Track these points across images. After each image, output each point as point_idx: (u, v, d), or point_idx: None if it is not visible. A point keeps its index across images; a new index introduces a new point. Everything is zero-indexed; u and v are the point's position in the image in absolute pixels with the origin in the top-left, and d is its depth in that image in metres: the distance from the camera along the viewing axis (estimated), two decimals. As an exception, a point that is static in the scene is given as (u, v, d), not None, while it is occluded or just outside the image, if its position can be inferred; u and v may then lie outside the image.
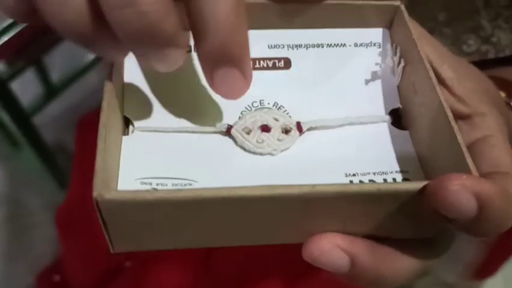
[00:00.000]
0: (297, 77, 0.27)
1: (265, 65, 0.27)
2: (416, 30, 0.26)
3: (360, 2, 0.26)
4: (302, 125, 0.26)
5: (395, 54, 0.27)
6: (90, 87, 1.27)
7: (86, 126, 0.65)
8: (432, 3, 0.41)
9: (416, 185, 0.20)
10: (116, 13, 0.19)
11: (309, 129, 0.26)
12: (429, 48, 0.26)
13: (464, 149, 0.21)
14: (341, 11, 0.26)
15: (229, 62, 0.21)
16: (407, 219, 0.21)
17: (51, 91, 1.01)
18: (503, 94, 0.34)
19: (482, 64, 0.35)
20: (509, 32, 0.40)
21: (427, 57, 0.25)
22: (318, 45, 0.27)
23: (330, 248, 0.20)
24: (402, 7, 0.27)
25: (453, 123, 0.22)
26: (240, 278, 0.52)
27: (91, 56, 1.01)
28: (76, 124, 0.69)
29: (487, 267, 0.71)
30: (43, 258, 1.03)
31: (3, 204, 1.14)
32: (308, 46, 0.27)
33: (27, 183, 1.16)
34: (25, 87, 0.90)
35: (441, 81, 0.26)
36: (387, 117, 0.27)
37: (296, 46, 0.26)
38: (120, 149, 0.24)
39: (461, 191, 0.18)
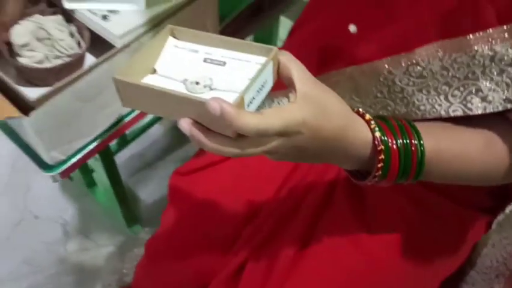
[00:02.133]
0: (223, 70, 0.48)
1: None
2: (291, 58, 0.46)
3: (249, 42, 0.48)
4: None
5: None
6: (152, 138, 1.45)
7: (180, 174, 0.79)
8: None
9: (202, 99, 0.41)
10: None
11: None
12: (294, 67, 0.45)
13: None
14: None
15: None
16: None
17: (124, 140, 1.19)
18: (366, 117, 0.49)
19: None
20: None
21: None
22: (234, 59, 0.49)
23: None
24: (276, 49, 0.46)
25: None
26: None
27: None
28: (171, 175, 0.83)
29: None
30: (110, 289, 1.17)
31: (75, 237, 1.29)
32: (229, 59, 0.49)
33: (98, 219, 1.31)
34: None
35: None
36: None
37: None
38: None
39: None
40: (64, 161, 0.65)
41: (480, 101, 0.50)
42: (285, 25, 1.40)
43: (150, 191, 1.36)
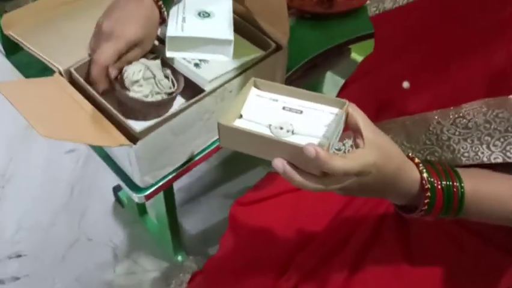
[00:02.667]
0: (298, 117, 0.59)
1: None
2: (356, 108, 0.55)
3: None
4: None
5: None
6: (198, 174, 1.55)
7: (240, 204, 0.88)
8: None
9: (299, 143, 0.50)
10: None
11: None
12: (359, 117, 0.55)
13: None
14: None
15: None
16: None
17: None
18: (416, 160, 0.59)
19: None
20: None
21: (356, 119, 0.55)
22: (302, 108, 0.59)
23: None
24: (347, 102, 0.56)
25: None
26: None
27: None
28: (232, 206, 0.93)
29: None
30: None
31: (124, 261, 1.38)
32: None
33: (146, 245, 1.41)
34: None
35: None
36: None
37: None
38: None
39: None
40: (152, 185, 0.76)
41: None
42: (328, 78, 1.54)
43: (194, 222, 1.46)
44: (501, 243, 0.74)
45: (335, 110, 0.58)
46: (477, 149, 0.63)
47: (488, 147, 0.62)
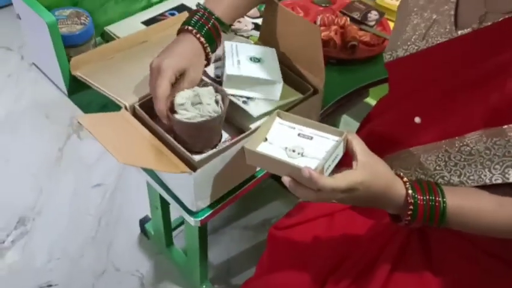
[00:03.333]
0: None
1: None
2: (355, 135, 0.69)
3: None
4: None
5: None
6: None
7: (277, 229, 0.96)
8: None
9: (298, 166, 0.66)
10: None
11: None
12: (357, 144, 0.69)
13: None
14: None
15: None
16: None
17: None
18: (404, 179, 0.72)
19: None
20: None
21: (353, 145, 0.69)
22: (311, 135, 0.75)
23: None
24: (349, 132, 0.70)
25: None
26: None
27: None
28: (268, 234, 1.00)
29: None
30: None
31: (150, 290, 1.44)
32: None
33: (171, 275, 1.47)
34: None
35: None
36: None
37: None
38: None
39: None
40: (205, 210, 0.84)
41: None
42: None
43: (216, 253, 1.53)
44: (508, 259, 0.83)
45: (337, 138, 0.73)
46: (480, 172, 0.73)
47: (489, 171, 0.72)
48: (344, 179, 0.66)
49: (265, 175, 0.91)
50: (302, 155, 0.72)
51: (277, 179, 1.84)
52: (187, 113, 0.79)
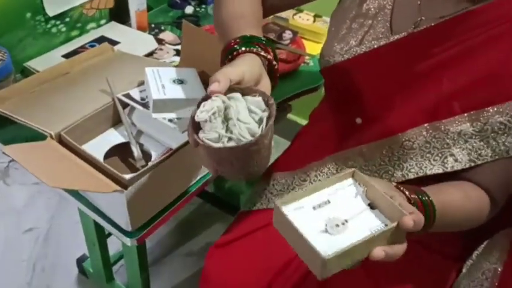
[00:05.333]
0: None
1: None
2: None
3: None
4: None
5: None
6: (158, 237, 1.61)
7: (216, 247, 0.95)
8: None
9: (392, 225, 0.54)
10: None
11: None
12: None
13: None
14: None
15: None
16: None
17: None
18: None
19: None
20: None
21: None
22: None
23: None
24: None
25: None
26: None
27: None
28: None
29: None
30: None
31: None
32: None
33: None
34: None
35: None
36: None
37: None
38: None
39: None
40: (140, 228, 0.85)
41: (453, 161, 0.75)
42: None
43: (160, 283, 1.51)
44: (439, 248, 0.89)
45: (350, 181, 0.62)
46: (421, 164, 0.78)
47: (430, 162, 0.77)
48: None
49: (197, 190, 0.93)
50: (346, 222, 0.57)
51: (214, 203, 1.85)
52: (212, 132, 0.60)
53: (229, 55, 0.72)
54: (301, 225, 0.54)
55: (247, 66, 0.67)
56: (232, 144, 0.60)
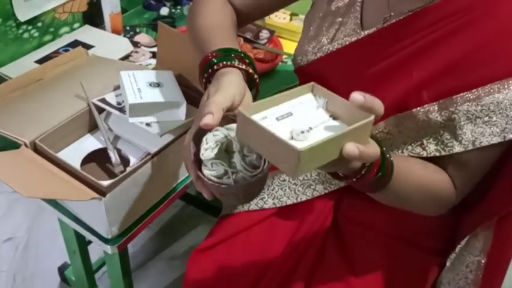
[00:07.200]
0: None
1: None
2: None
3: None
4: None
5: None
6: (141, 242, 1.60)
7: (199, 251, 0.94)
8: None
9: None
10: None
11: None
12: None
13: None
14: None
15: None
16: None
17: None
18: None
19: None
20: None
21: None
22: None
23: None
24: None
25: None
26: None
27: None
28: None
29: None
30: None
31: None
32: None
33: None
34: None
35: None
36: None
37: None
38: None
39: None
40: (121, 235, 0.83)
41: (421, 150, 0.76)
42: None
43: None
44: (422, 244, 0.90)
45: (310, 95, 0.60)
46: (395, 152, 0.79)
47: (401, 152, 0.78)
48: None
49: (177, 194, 0.92)
50: (310, 130, 0.54)
51: (197, 205, 1.84)
52: (217, 168, 0.58)
53: (208, 69, 0.71)
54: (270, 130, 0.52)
55: (235, 88, 0.65)
56: (240, 180, 0.58)
